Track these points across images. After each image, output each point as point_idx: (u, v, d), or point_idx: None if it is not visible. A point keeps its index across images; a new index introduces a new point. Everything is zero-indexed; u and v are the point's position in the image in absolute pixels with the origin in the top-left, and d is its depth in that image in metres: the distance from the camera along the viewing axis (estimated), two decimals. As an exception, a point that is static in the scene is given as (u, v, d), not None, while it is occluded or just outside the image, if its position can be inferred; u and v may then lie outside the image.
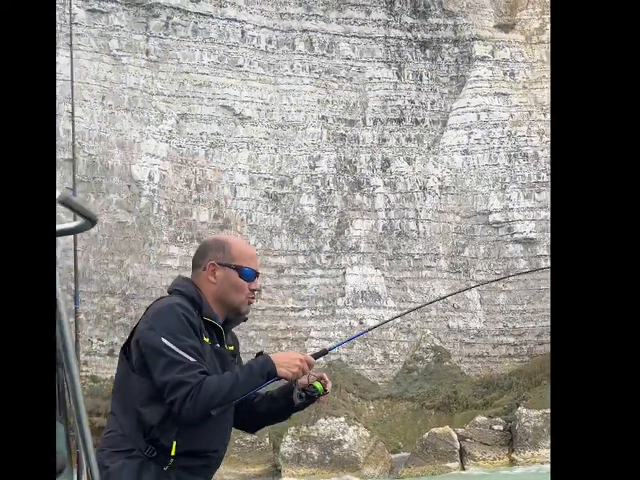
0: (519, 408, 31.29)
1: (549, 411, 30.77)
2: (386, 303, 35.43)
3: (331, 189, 37.51)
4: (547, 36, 41.59)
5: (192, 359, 2.81)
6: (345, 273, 35.71)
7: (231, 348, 3.09)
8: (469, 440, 31.11)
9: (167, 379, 2.79)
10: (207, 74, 39.78)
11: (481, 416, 31.59)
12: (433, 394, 33.29)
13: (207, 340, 2.95)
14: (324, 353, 3.14)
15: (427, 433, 30.76)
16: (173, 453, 2.84)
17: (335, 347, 3.29)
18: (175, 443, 2.84)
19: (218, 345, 3.01)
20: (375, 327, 4.05)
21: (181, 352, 2.81)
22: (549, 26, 42.44)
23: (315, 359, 3.00)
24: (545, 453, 30.64)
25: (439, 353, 34.83)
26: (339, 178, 37.90)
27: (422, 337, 35.04)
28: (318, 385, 3.01)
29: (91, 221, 2.24)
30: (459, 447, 30.90)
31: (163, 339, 2.83)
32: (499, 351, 35.55)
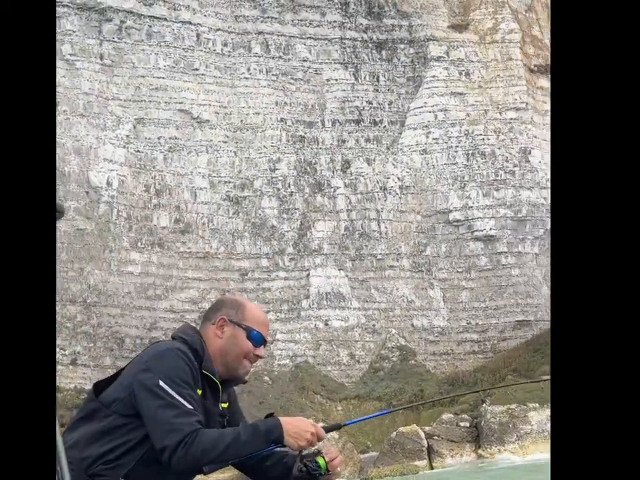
0: (484, 404, 31.80)
1: (513, 406, 31.43)
2: (350, 303, 35.74)
3: (292, 191, 37.69)
4: (500, 35, 42.43)
5: (188, 405, 2.68)
6: (308, 274, 35.91)
7: (224, 406, 2.94)
8: (436, 438, 31.50)
9: (159, 424, 2.65)
10: (163, 78, 39.60)
11: (447, 413, 32.03)
12: (399, 393, 33.66)
13: (199, 391, 2.82)
14: (337, 427, 2.95)
15: (395, 432, 31.08)
16: None
17: (349, 423, 3.07)
18: None
19: (208, 402, 2.85)
20: (403, 408, 3.88)
21: (177, 396, 2.68)
22: (501, 25, 43.31)
23: (327, 432, 2.80)
24: (511, 447, 31.21)
25: (404, 352, 35.24)
26: (300, 180, 38.10)
27: (387, 336, 35.42)
28: (322, 463, 2.80)
29: (58, 212, 2.33)
30: (426, 445, 31.27)
31: (160, 382, 2.70)
32: (463, 348, 36.14)
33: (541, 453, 31.14)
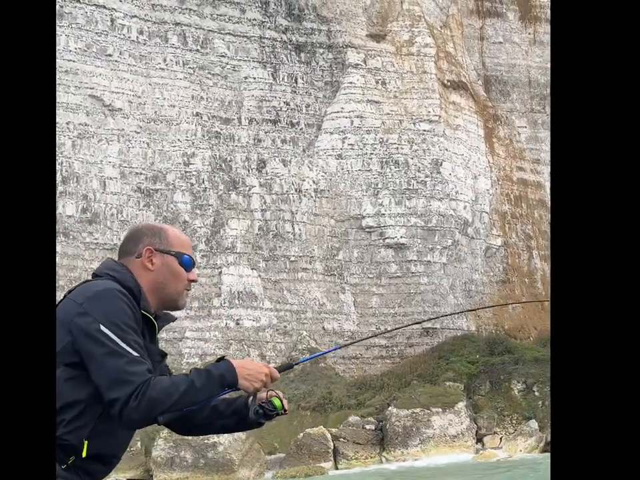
0: (389, 408, 32.68)
1: (417, 410, 32.48)
2: (262, 304, 35.79)
3: (205, 187, 37.40)
4: (416, 48, 43.80)
5: (134, 353, 2.55)
6: (220, 272, 35.71)
7: (157, 346, 2.87)
8: (342, 439, 32.09)
9: (106, 374, 2.51)
10: (74, 61, 38.43)
11: (354, 416, 32.69)
12: (308, 395, 34.01)
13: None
14: (289, 367, 2.97)
15: (302, 434, 31.41)
16: (84, 455, 2.57)
17: (301, 362, 3.15)
18: (86, 443, 2.58)
19: (146, 342, 2.74)
20: (350, 344, 3.86)
21: (122, 343, 2.54)
22: (417, 39, 44.71)
23: (280, 372, 2.84)
24: (414, 451, 32.20)
25: (314, 355, 35.68)
26: (214, 176, 37.87)
27: (298, 338, 35.71)
28: (277, 403, 2.79)
29: None
30: (332, 447, 31.79)
31: (102, 327, 2.53)
32: (371, 352, 36.92)
33: (441, 456, 32.27)
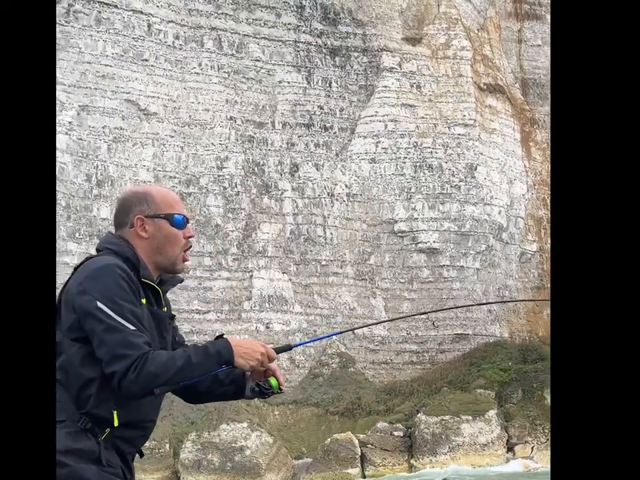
0: (419, 414, 32.55)
1: (447, 417, 32.30)
2: (292, 308, 35.99)
3: (238, 191, 37.75)
4: (452, 51, 43.61)
5: (131, 327, 2.64)
6: (251, 276, 35.99)
7: (165, 310, 2.94)
8: (369, 446, 32.05)
9: (106, 349, 2.62)
10: (111, 66, 39.13)
11: (383, 422, 32.63)
12: (337, 400, 34.08)
13: (144, 301, 2.80)
14: (288, 348, 3.02)
15: (329, 439, 31.48)
16: (116, 424, 2.69)
17: (299, 345, 3.19)
18: (115, 413, 2.70)
19: (155, 307, 2.85)
20: (349, 330, 4.02)
21: (119, 318, 2.64)
22: (454, 42, 44.52)
23: (278, 353, 2.89)
24: (443, 459, 32.02)
25: (344, 359, 35.72)
26: (247, 180, 38.20)
27: (327, 342, 35.83)
28: (274, 382, 2.87)
29: None
30: (359, 453, 31.77)
31: (99, 304, 2.64)
32: (402, 358, 36.84)
33: (472, 466, 32.00)
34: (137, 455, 2.91)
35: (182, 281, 3.06)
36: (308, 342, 3.36)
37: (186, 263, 2.98)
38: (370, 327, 36.67)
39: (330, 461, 31.40)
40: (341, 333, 3.78)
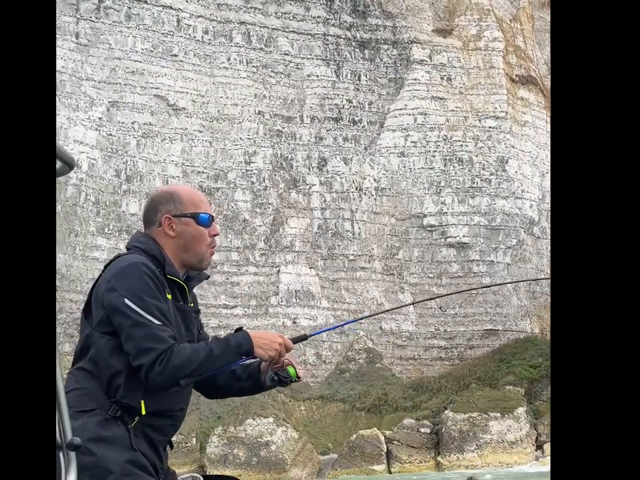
0: (446, 411, 32.33)
1: (475, 414, 32.04)
2: (320, 303, 36.01)
3: (266, 186, 37.84)
4: (483, 43, 43.12)
5: (157, 322, 2.76)
6: (279, 271, 36.10)
7: (192, 305, 3.05)
8: (396, 442, 31.95)
9: (133, 343, 2.75)
10: (140, 61, 39.47)
11: (409, 418, 32.49)
12: (363, 395, 34.03)
13: (169, 296, 2.91)
14: (304, 338, 3.12)
15: (355, 435, 31.46)
16: (143, 412, 2.81)
17: (315, 334, 3.28)
18: (143, 402, 2.82)
19: (181, 303, 2.97)
20: (364, 317, 4.17)
21: (145, 314, 2.76)
22: (485, 33, 44.01)
23: (294, 343, 2.97)
24: (470, 456, 31.77)
25: (371, 355, 35.66)
26: (275, 175, 38.27)
27: (355, 338, 35.78)
28: (292, 371, 2.97)
29: (69, 165, 2.36)
30: (385, 450, 31.70)
31: (126, 300, 2.77)
32: (430, 353, 36.65)
33: (499, 464, 31.70)
34: (168, 447, 3.03)
35: (208, 277, 3.18)
36: (322, 331, 3.55)
37: (212, 257, 3.10)
38: (397, 321, 36.51)
39: (355, 457, 31.41)
40: (352, 322, 4.08)
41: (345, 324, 3.60)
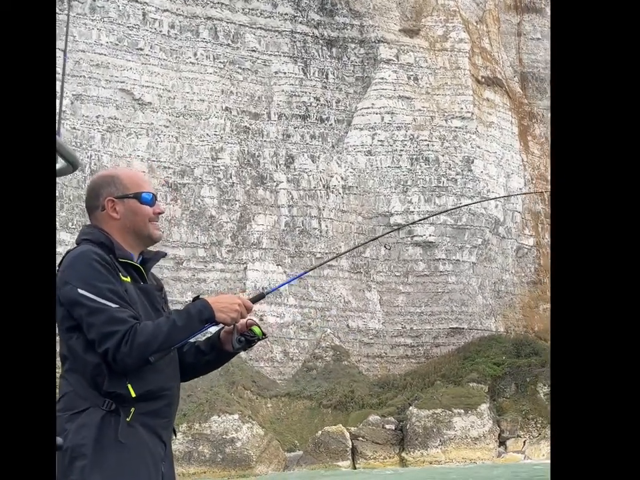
0: (410, 408, 32.85)
1: (439, 410, 32.63)
2: (287, 300, 36.28)
3: (233, 182, 38.00)
4: (450, 44, 43.87)
5: (113, 305, 2.79)
6: (246, 268, 36.28)
7: (154, 284, 3.07)
8: (361, 439, 32.36)
9: (95, 330, 2.77)
10: (105, 54, 39.30)
11: (374, 415, 32.93)
12: (330, 393, 34.39)
13: (127, 279, 2.93)
14: (261, 297, 3.15)
15: (320, 432, 31.77)
16: (133, 395, 2.82)
17: (272, 291, 3.31)
18: (130, 386, 2.83)
19: (142, 284, 2.99)
20: (314, 268, 3.99)
21: (100, 299, 2.79)
22: (452, 34, 44.77)
23: (253, 303, 3.01)
24: (434, 452, 32.32)
25: (338, 352, 36.06)
26: (242, 171, 38.45)
27: (322, 335, 36.14)
28: (257, 330, 3.01)
29: (72, 165, 2.51)
30: (350, 446, 32.08)
31: (80, 290, 2.78)
32: (396, 351, 37.17)
33: (463, 460, 32.30)
34: (173, 435, 3.02)
35: (165, 255, 3.22)
36: (279, 286, 3.53)
37: (161, 233, 3.15)
38: (364, 319, 36.92)
39: (321, 453, 31.69)
40: (304, 273, 3.76)
41: (300, 276, 3.62)
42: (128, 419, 2.82)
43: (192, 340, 2.91)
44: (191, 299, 2.95)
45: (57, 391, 2.69)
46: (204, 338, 3.10)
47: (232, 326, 2.99)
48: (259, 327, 3.02)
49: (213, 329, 2.99)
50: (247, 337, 2.98)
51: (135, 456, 2.82)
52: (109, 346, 2.75)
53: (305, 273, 3.69)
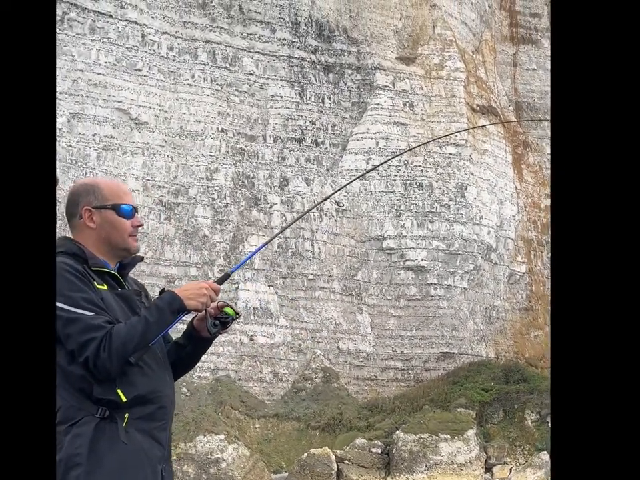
0: (397, 432, 33.15)
1: (425, 435, 32.93)
2: (278, 321, 36.79)
3: (227, 203, 38.69)
4: (445, 72, 44.93)
5: (88, 313, 2.82)
6: (237, 288, 36.82)
7: (132, 289, 3.14)
8: (347, 462, 32.54)
9: (73, 340, 2.81)
10: (103, 74, 40.18)
11: (361, 438, 33.20)
12: (318, 415, 34.71)
13: (103, 287, 2.96)
14: (226, 277, 3.21)
15: (306, 454, 32.01)
16: (124, 400, 2.85)
17: (235, 269, 3.36)
18: (120, 391, 2.87)
19: (119, 290, 3.03)
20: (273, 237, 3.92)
21: (75, 309, 2.82)
22: (448, 63, 45.87)
23: (219, 284, 3.07)
24: (420, 477, 32.56)
25: (327, 374, 36.47)
26: (236, 192, 39.17)
27: (312, 357, 36.58)
28: (229, 310, 3.06)
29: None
30: (336, 469, 32.29)
31: (57, 303, 2.81)
32: (386, 374, 37.62)
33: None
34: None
35: (142, 258, 3.27)
36: (241, 263, 3.55)
37: (135, 244, 3.14)
38: (355, 341, 37.38)
39: (306, 475, 31.82)
40: (266, 243, 3.75)
41: (262, 247, 3.63)
42: (124, 425, 2.87)
43: (169, 331, 2.93)
44: (159, 293, 3.01)
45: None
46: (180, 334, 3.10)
47: (204, 312, 3.04)
48: (232, 307, 3.06)
49: (188, 318, 3.07)
50: (221, 319, 3.05)
51: (131, 460, 2.85)
52: (88, 354, 2.79)
53: (266, 243, 3.63)
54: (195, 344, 3.18)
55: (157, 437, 2.98)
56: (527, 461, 32.96)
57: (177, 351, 3.17)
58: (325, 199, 3.87)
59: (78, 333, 2.81)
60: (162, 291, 3.04)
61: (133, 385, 2.89)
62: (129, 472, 2.84)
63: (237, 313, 3.08)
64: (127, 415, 2.87)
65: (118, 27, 41.33)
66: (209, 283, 3.05)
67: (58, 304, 2.81)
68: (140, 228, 3.16)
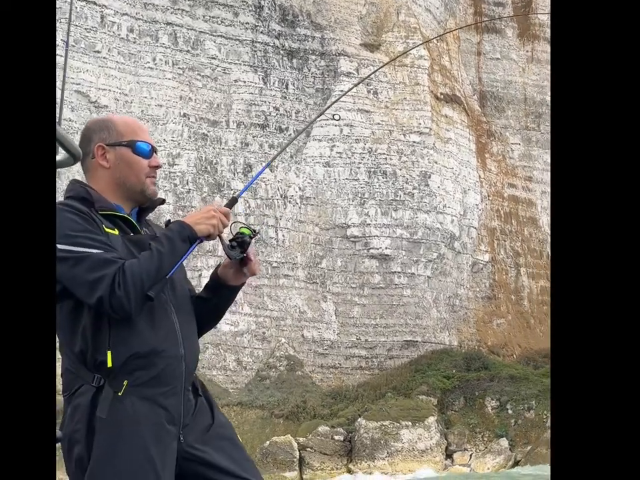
0: (359, 419, 33.89)
1: (387, 422, 33.69)
2: (242, 308, 37.16)
3: (189, 189, 38.89)
4: (409, 60, 45.60)
5: (93, 250, 2.63)
6: (200, 275, 37.07)
7: (146, 232, 2.94)
8: (309, 449, 33.18)
9: (81, 282, 2.59)
10: (61, 55, 39.94)
11: (324, 426, 33.85)
12: (282, 403, 35.24)
13: (113, 231, 2.76)
14: (234, 201, 3.03)
15: (268, 442, 32.51)
16: (109, 365, 2.61)
17: (242, 192, 3.17)
18: (109, 354, 2.62)
19: (132, 234, 2.83)
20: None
21: (80, 248, 2.62)
22: (412, 51, 46.56)
23: (228, 208, 2.93)
24: (381, 464, 33.35)
25: (292, 362, 37.02)
26: (199, 178, 39.39)
27: (276, 345, 37.07)
28: (244, 230, 2.92)
29: (74, 156, 2.34)
30: (298, 456, 32.88)
31: (58, 245, 2.58)
32: (350, 362, 38.30)
33: (409, 472, 33.39)
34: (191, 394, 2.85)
35: (163, 201, 3.08)
36: (249, 183, 3.35)
37: (154, 186, 2.95)
38: (319, 329, 37.96)
39: (268, 463, 32.30)
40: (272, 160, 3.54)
41: (268, 164, 3.42)
42: (120, 393, 2.63)
43: (184, 262, 2.78)
44: (165, 224, 2.88)
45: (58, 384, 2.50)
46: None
47: (227, 260, 2.91)
48: (247, 226, 2.94)
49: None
50: (238, 240, 2.92)
51: (127, 436, 2.61)
52: (101, 293, 2.57)
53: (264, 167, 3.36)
54: (221, 295, 3.03)
55: (164, 404, 2.68)
56: (486, 447, 33.96)
57: (200, 305, 2.98)
58: (320, 114, 4.05)
59: (85, 271, 2.58)
60: (167, 222, 2.89)
61: (127, 345, 2.63)
62: (124, 451, 2.59)
63: (254, 231, 2.96)
64: (125, 382, 2.63)
65: (76, 7, 41.10)
66: (215, 206, 2.91)
67: (60, 246, 2.58)
68: (158, 169, 2.95)
